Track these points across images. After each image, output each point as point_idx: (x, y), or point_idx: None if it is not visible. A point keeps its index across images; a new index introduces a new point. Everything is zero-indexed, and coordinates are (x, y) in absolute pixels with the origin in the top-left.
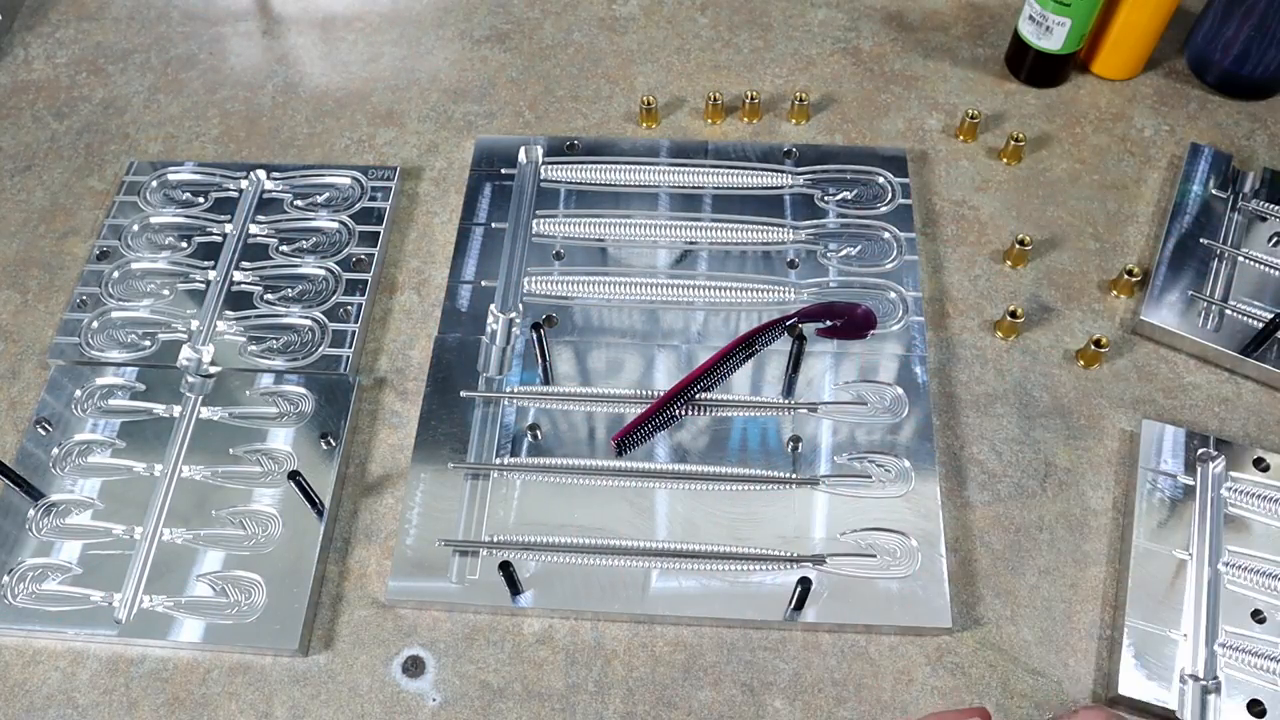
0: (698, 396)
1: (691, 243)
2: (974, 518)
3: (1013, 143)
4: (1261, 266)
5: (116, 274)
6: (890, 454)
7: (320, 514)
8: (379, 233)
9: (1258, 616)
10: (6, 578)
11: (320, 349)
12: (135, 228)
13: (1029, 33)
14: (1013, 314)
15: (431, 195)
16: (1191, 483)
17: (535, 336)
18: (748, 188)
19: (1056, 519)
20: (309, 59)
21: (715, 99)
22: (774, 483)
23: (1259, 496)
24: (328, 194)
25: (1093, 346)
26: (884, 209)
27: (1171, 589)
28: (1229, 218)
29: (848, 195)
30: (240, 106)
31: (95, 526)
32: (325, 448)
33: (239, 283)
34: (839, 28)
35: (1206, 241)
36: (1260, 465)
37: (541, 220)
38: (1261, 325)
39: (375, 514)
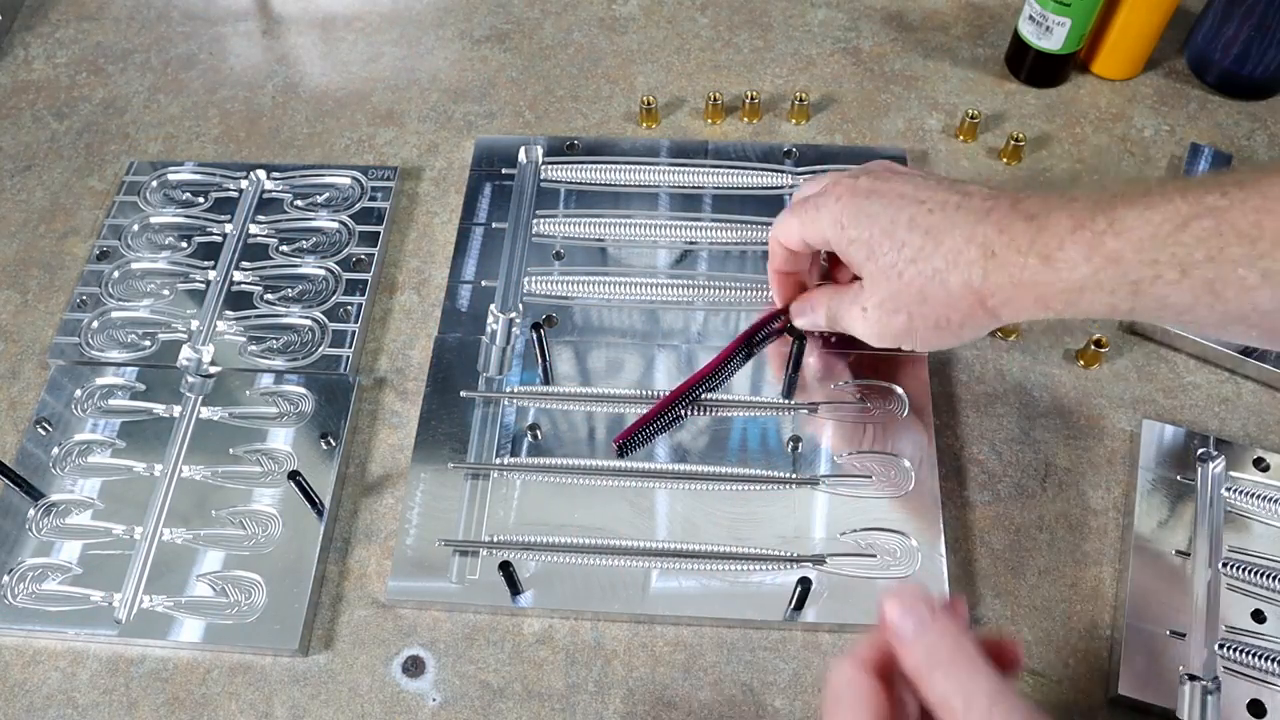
0: (701, 397)
1: (691, 243)
2: (974, 518)
3: (1013, 143)
4: None
5: (116, 274)
6: (890, 454)
7: (320, 514)
8: (379, 233)
9: (1258, 616)
10: (6, 578)
11: (320, 349)
12: (135, 228)
13: (1029, 33)
14: None
15: (431, 195)
16: (1191, 483)
17: (535, 336)
18: (748, 188)
19: (1056, 519)
20: (309, 59)
21: (715, 99)
22: (774, 483)
23: (1259, 496)
24: (328, 194)
25: (1093, 346)
26: None
27: (1171, 589)
28: None
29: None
30: (240, 106)
31: (95, 526)
32: (325, 448)
33: (239, 283)
34: (839, 28)
35: None
36: (1260, 465)
37: (541, 220)
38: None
39: (375, 514)
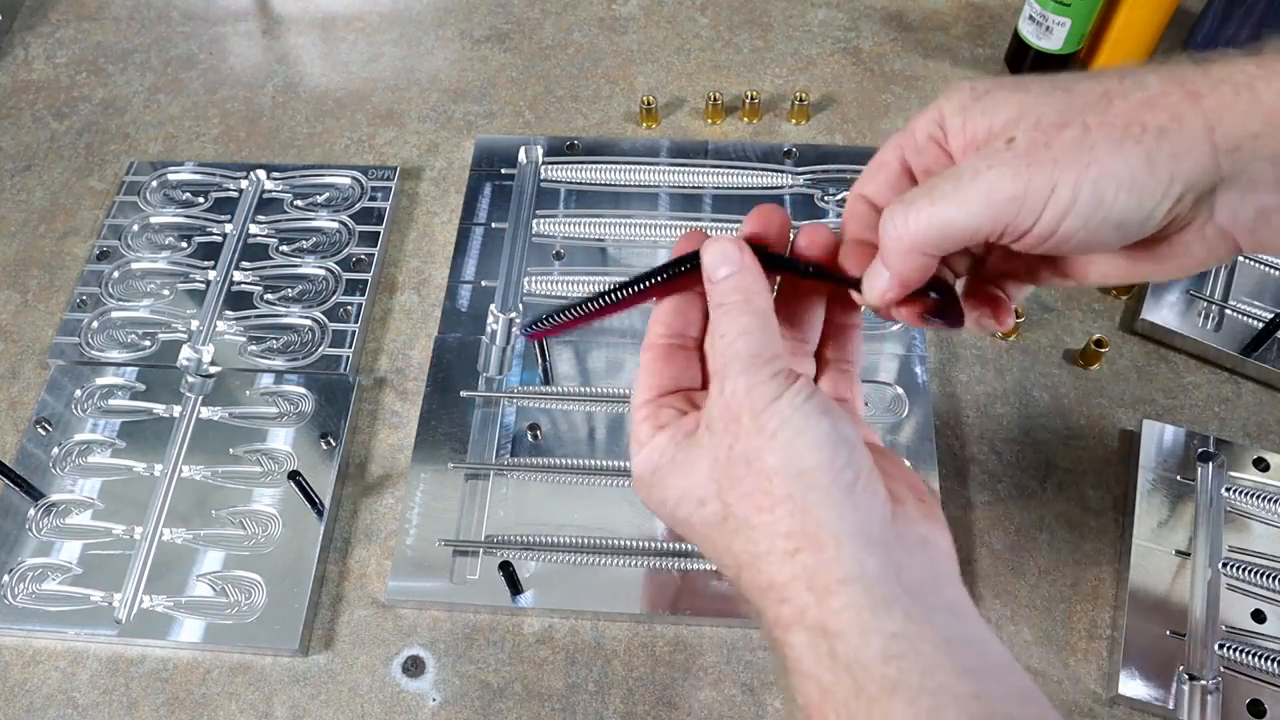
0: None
1: None
2: (974, 518)
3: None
4: (1261, 266)
5: (116, 274)
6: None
7: (320, 514)
8: (379, 233)
9: (1258, 616)
10: (6, 578)
11: (320, 349)
12: (135, 228)
13: (1029, 33)
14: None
15: (431, 195)
16: (1191, 483)
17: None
18: (748, 188)
19: (1056, 519)
20: (309, 59)
21: (715, 99)
22: None
23: (1259, 496)
24: (328, 194)
25: (1093, 346)
26: None
27: (1171, 589)
28: None
29: (848, 195)
30: (240, 106)
31: (95, 526)
32: (325, 448)
33: (239, 283)
34: (839, 28)
35: None
36: (1260, 465)
37: (541, 220)
38: (1261, 325)
39: (375, 514)
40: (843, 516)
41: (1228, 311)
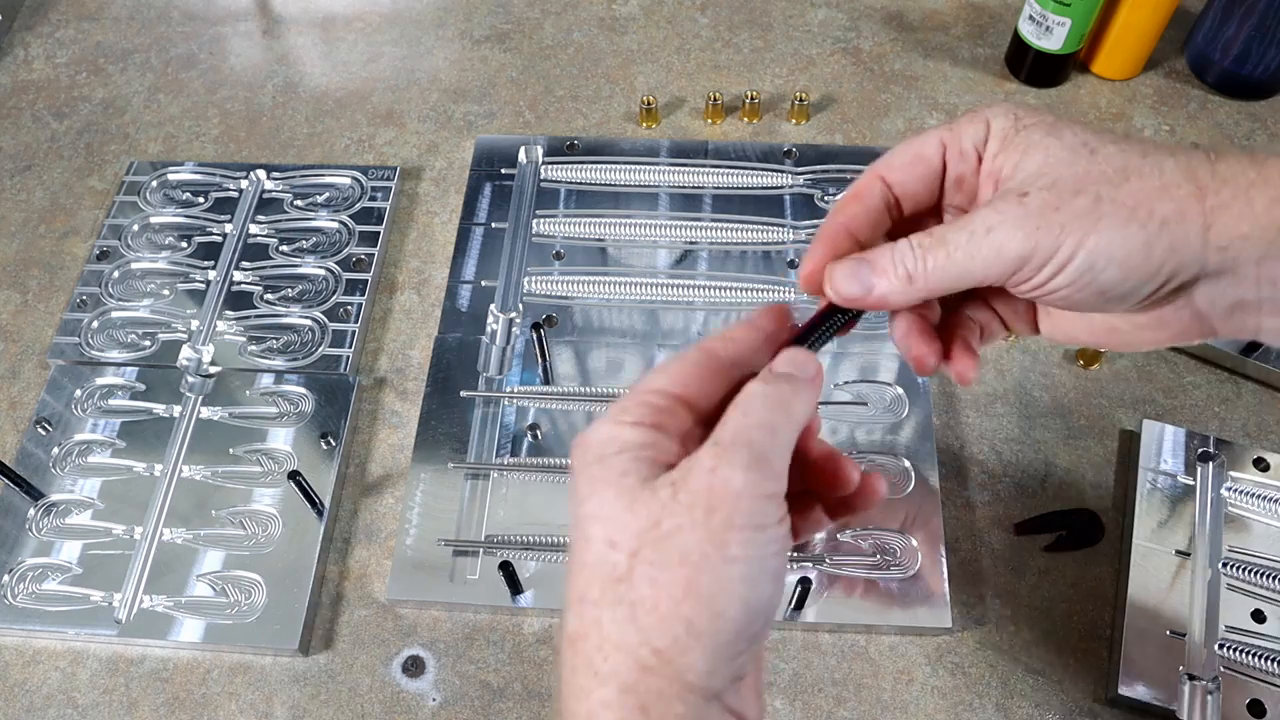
0: None
1: (691, 243)
2: (974, 518)
3: None
4: None
5: (116, 274)
6: (890, 454)
7: (320, 514)
8: (379, 233)
9: (1258, 616)
10: (6, 578)
11: (320, 349)
12: (135, 228)
13: (1029, 33)
14: None
15: (431, 195)
16: (1191, 483)
17: (535, 336)
18: (748, 188)
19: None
20: (309, 59)
21: (715, 99)
22: None
23: (1259, 496)
24: (328, 194)
25: (1093, 346)
26: None
27: (1171, 589)
28: None
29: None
30: (240, 106)
31: (95, 526)
32: (325, 448)
33: (239, 283)
34: (839, 28)
35: None
36: (1260, 465)
37: (541, 220)
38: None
39: (375, 514)
40: (706, 675)
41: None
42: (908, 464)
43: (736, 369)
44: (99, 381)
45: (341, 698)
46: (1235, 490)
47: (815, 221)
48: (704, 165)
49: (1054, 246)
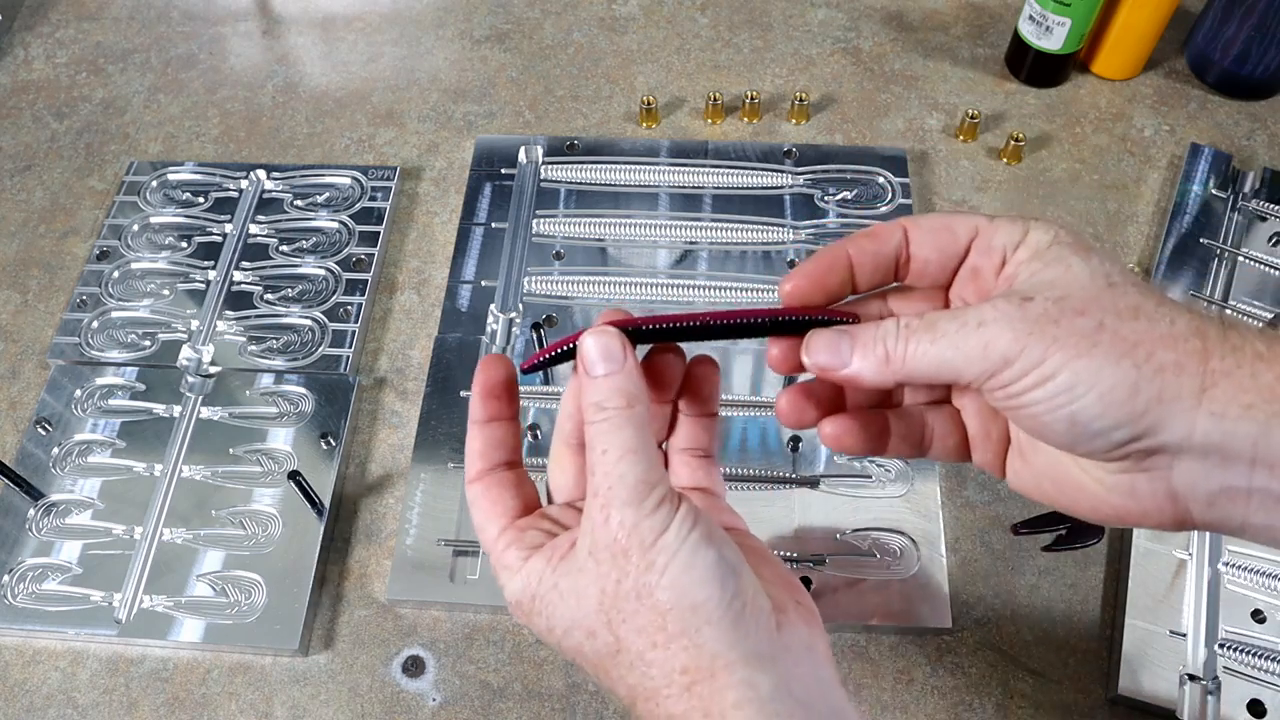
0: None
1: (691, 243)
2: (974, 518)
3: (1013, 142)
4: (1261, 266)
5: (116, 274)
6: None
7: (320, 514)
8: (379, 233)
9: (1258, 616)
10: (6, 578)
11: (320, 349)
12: (135, 228)
13: (1029, 33)
14: None
15: (431, 195)
16: None
17: (535, 336)
18: (748, 188)
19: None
20: (309, 59)
21: (715, 99)
22: (774, 483)
23: None
24: (328, 194)
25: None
26: (884, 209)
27: (1171, 589)
28: (1229, 218)
29: (848, 195)
30: (240, 106)
31: (95, 526)
32: (325, 448)
33: (239, 283)
34: (839, 28)
35: (1206, 241)
36: None
37: (541, 220)
38: (1261, 325)
39: (375, 514)
40: (734, 645)
41: (1228, 311)
42: (908, 464)
43: (514, 464)
44: (99, 381)
45: (341, 698)
46: None
47: (816, 221)
48: (704, 165)
49: (1041, 356)
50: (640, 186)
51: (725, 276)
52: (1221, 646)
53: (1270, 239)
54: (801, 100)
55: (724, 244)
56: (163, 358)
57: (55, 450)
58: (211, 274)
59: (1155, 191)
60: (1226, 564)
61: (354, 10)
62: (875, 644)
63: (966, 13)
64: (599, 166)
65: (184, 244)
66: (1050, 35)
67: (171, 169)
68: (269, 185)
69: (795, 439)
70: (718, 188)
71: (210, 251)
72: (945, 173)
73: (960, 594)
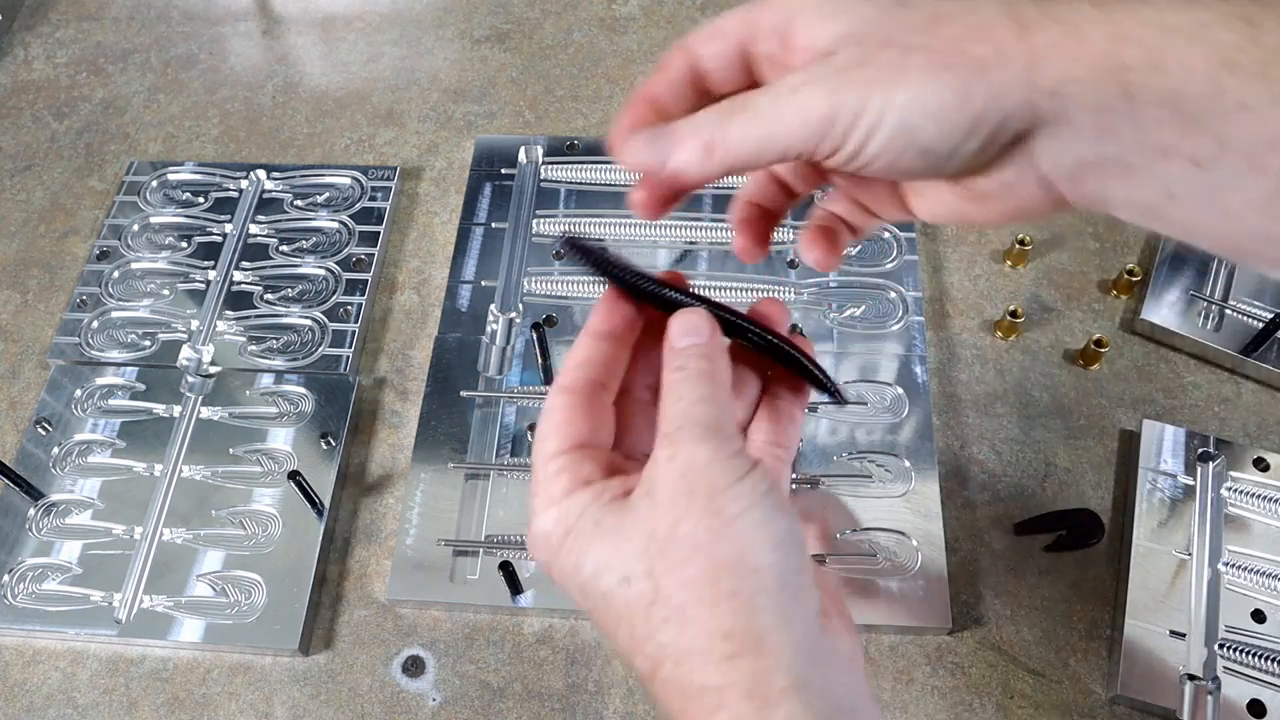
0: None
1: (691, 243)
2: (974, 518)
3: None
4: None
5: (116, 274)
6: (890, 454)
7: (320, 514)
8: (379, 233)
9: (1258, 616)
10: (6, 578)
11: (320, 349)
12: (135, 228)
13: None
14: (1013, 314)
15: (431, 195)
16: (1191, 483)
17: (535, 336)
18: None
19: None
20: (309, 59)
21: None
22: None
23: (1259, 496)
24: (328, 194)
25: (1093, 346)
26: None
27: (1171, 589)
28: None
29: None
30: (240, 106)
31: (95, 526)
32: (325, 448)
33: (239, 283)
34: None
35: None
36: (1260, 465)
37: (541, 220)
38: (1261, 325)
39: (375, 514)
40: (786, 624)
41: (1228, 311)
42: (908, 464)
43: (606, 391)
44: (99, 381)
45: (341, 698)
46: (1235, 490)
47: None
48: None
49: (861, 104)
50: None
51: (725, 276)
52: (1221, 646)
53: None
54: None
55: (724, 244)
56: (163, 358)
57: (55, 450)
58: (211, 274)
59: None
60: (1226, 564)
61: (354, 10)
62: (875, 644)
63: None
64: (599, 166)
65: (184, 244)
66: None
67: (171, 169)
68: (269, 185)
69: None
70: (718, 188)
71: (210, 251)
72: None
73: (960, 594)
